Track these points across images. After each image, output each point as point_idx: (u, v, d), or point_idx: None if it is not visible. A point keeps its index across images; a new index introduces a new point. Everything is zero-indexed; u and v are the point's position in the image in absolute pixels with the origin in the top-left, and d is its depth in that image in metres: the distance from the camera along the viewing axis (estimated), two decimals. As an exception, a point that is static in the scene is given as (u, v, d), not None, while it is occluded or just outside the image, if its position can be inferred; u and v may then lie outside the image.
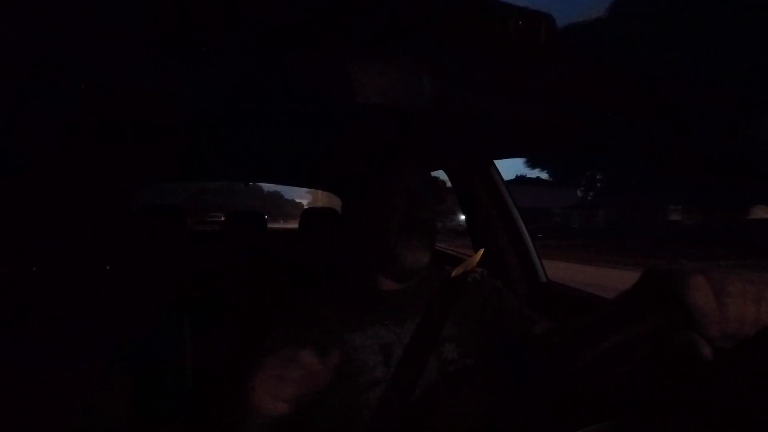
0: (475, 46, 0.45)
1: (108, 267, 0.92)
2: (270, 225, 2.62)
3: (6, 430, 0.72)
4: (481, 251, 0.76)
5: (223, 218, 2.24)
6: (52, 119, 1.03)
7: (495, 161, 1.45)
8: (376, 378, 0.71)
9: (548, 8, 0.41)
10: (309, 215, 2.06)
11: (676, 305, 0.39)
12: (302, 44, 0.58)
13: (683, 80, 0.61)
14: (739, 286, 0.40)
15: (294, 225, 2.23)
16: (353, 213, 0.83)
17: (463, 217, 1.69)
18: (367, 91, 0.73)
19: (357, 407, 0.70)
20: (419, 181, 0.79)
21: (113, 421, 0.77)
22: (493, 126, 1.05)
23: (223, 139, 1.37)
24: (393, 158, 0.81)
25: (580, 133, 0.84)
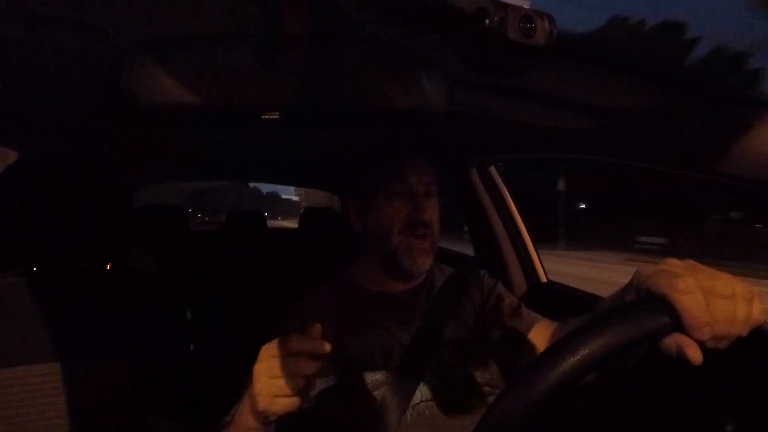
0: (475, 46, 0.45)
1: (109, 267, 0.92)
2: (271, 221, 2.62)
3: (6, 430, 0.72)
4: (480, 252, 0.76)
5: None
6: (52, 119, 1.03)
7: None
8: (376, 381, 0.71)
9: (548, 8, 0.41)
10: (309, 215, 2.06)
11: (666, 308, 0.38)
12: (305, 44, 0.58)
13: (683, 80, 0.60)
14: (729, 286, 0.39)
15: (291, 221, 2.24)
16: (356, 214, 0.83)
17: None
18: (367, 91, 0.72)
19: (358, 410, 0.69)
20: (423, 183, 0.79)
21: (113, 421, 0.77)
22: (494, 126, 1.05)
23: (224, 139, 1.37)
24: (396, 159, 0.81)
25: (580, 134, 0.84)
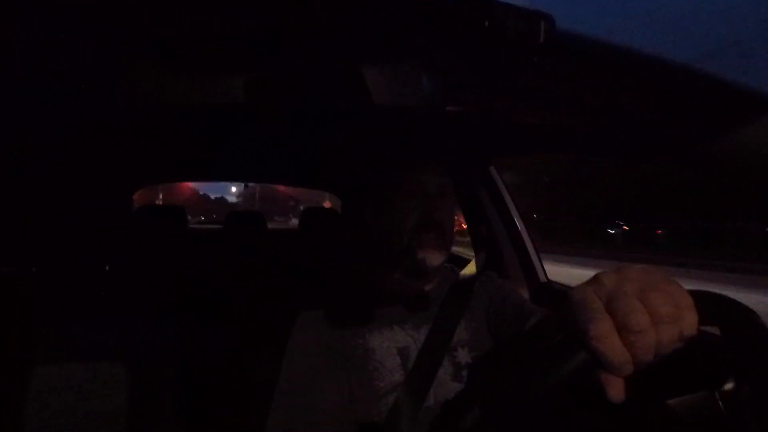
0: (475, 46, 0.45)
1: (107, 268, 0.92)
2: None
3: (7, 430, 0.72)
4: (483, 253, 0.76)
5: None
6: (52, 119, 1.03)
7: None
8: (395, 382, 0.71)
9: (548, 8, 0.41)
10: (309, 215, 2.06)
11: (584, 348, 0.35)
12: (304, 44, 0.58)
13: (684, 80, 0.60)
14: (645, 319, 0.34)
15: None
16: (369, 213, 0.83)
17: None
18: (366, 92, 0.72)
19: (377, 412, 0.69)
20: (437, 183, 0.79)
21: (113, 421, 0.77)
22: (493, 126, 1.05)
23: (223, 139, 1.37)
24: (411, 158, 0.81)
25: (580, 134, 0.84)
